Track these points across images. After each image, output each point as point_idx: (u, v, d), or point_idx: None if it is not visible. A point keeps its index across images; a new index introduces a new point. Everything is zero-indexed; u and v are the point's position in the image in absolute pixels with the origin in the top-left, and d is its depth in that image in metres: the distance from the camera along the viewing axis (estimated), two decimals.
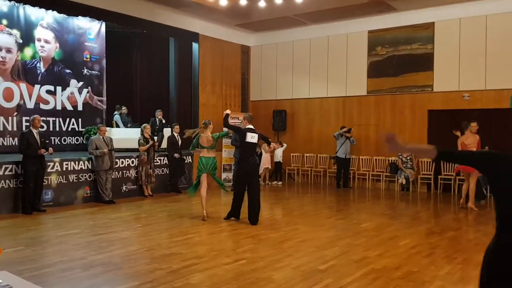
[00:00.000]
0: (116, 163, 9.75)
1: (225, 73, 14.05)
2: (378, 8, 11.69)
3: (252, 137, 7.40)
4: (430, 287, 4.38)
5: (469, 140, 8.83)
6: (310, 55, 13.73)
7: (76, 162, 9.07)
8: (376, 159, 12.50)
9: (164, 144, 11.04)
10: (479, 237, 6.57)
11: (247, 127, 7.60)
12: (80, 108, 11.20)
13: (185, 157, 11.33)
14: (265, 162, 12.94)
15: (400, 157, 11.69)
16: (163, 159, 10.86)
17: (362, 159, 12.69)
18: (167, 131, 11.21)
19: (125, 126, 11.94)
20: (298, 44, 13.95)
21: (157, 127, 11.48)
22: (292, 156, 13.74)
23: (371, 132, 12.66)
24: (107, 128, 10.49)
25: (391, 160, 12.05)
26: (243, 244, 6.00)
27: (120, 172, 9.91)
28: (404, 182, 11.59)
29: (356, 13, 12.30)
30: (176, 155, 10.67)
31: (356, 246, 6.01)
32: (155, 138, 10.68)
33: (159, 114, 11.74)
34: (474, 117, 9.48)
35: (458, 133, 9.29)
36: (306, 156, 13.62)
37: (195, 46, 13.14)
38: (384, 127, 12.46)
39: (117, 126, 11.82)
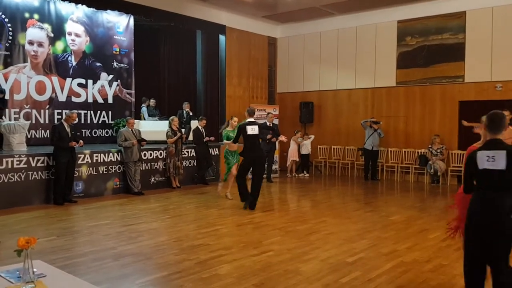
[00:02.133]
0: (145, 155, 9.90)
1: (251, 65, 14.03)
2: None
3: (252, 129, 7.75)
4: (461, 280, 4.26)
5: (505, 134, 8.42)
6: (338, 46, 13.55)
7: (106, 154, 9.24)
8: (405, 151, 12.28)
9: (191, 137, 11.12)
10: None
11: (247, 120, 7.93)
12: (110, 100, 11.39)
13: (211, 149, 11.39)
14: (292, 155, 12.91)
15: (430, 149, 11.45)
16: (191, 151, 10.96)
17: (390, 151, 12.49)
18: (194, 124, 11.29)
19: (153, 118, 12.08)
20: (326, 35, 13.78)
21: (184, 120, 11.58)
22: (319, 148, 13.65)
23: (400, 124, 12.43)
24: (136, 121, 10.67)
25: (421, 152, 11.82)
26: (270, 236, 6.01)
27: (149, 164, 10.05)
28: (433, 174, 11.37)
29: (385, 3, 12.05)
30: (210, 138, 10.80)
31: (385, 239, 5.94)
32: (183, 130, 10.77)
33: (186, 107, 11.83)
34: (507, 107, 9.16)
35: (473, 124, 8.89)
36: (334, 148, 13.51)
37: (222, 38, 13.16)
38: (413, 118, 12.22)
39: (144, 118, 11.98)
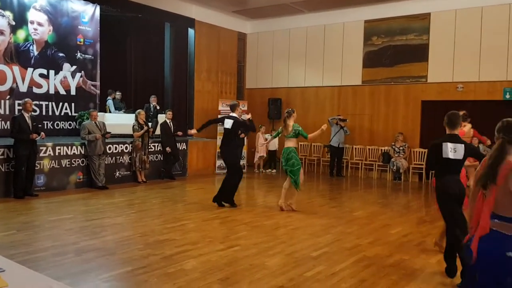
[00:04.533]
0: (110, 148, 9.72)
1: (221, 60, 13.97)
2: None
3: (226, 123, 7.64)
4: (421, 275, 4.43)
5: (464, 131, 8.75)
6: (307, 43, 13.68)
7: (69, 147, 9.01)
8: (369, 149, 12.55)
9: (158, 131, 10.99)
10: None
11: (229, 114, 7.86)
12: (73, 92, 11.08)
13: (178, 144, 11.30)
14: (260, 151, 12.96)
15: (393, 147, 11.75)
16: (157, 146, 10.83)
17: (355, 148, 12.74)
18: (161, 117, 11.16)
19: (119, 111, 11.85)
20: (295, 32, 13.88)
21: (151, 113, 11.43)
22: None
23: (365, 122, 12.69)
24: (101, 113, 10.44)
25: (384, 150, 12.11)
26: (237, 231, 6.03)
27: (114, 157, 9.87)
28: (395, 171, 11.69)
29: (353, 2, 12.25)
30: (167, 149, 10.65)
31: (348, 234, 6.06)
32: (150, 124, 10.63)
33: (153, 100, 11.68)
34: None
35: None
36: (300, 145, 13.63)
37: (191, 32, 13.05)
38: (378, 117, 12.50)
39: (110, 111, 11.74)
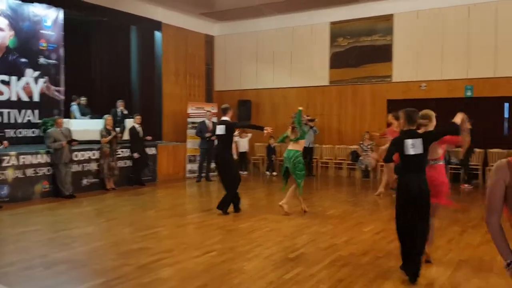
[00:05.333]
0: (76, 155, 9.45)
1: (189, 63, 13.85)
2: None
3: (219, 130, 7.42)
4: (396, 272, 4.50)
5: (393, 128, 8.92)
6: (274, 45, 13.74)
7: (34, 156, 8.71)
8: (338, 148, 12.73)
9: (126, 136, 10.78)
10: (438, 222, 6.80)
11: (221, 119, 7.63)
12: (36, 99, 10.71)
13: (148, 149, 11.13)
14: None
15: (361, 145, 11.95)
16: (126, 151, 10.62)
17: (325, 148, 12.88)
18: (129, 122, 10.95)
19: (85, 117, 11.54)
20: (263, 35, 13.92)
21: (118, 118, 11.17)
22: (257, 146, 13.77)
23: (334, 122, 12.86)
24: (66, 120, 10.14)
25: (352, 149, 12.30)
26: (212, 236, 5.97)
27: (81, 165, 9.61)
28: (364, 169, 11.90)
29: (319, 4, 12.39)
30: (135, 154, 10.46)
31: (323, 233, 6.11)
32: (117, 129, 10.41)
33: (120, 105, 11.44)
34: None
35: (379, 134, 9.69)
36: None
37: (157, 35, 12.88)
38: (345, 116, 12.70)
39: (75, 117, 11.42)
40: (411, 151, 4.18)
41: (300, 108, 7.54)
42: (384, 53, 12.04)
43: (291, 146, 7.34)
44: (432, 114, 4.74)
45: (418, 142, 4.20)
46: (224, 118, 7.51)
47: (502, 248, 2.26)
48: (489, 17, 10.62)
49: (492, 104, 10.66)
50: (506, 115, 10.68)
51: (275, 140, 12.03)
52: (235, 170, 7.73)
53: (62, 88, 11.26)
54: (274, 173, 12.88)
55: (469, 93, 10.87)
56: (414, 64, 11.64)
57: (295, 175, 7.29)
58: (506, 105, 10.66)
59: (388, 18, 11.96)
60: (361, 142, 12.01)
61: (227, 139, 7.48)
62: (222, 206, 7.35)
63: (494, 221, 2.25)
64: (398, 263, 4.74)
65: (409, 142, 4.19)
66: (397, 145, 4.29)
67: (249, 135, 13.17)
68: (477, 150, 10.55)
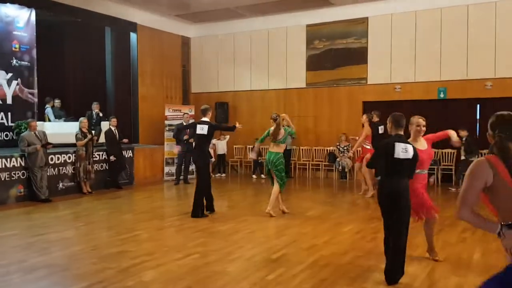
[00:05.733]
0: (52, 159, 9.28)
1: (165, 65, 13.76)
2: (316, 2, 11.96)
3: (201, 129, 7.35)
4: (377, 270, 4.61)
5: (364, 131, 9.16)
6: (251, 47, 13.80)
7: (8, 159, 8.51)
8: (315, 149, 12.88)
9: (102, 139, 10.64)
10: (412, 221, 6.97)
11: (201, 119, 7.59)
12: (9, 101, 10.45)
13: (125, 152, 11.01)
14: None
15: (338, 147, 12.13)
16: (102, 154, 10.48)
17: (302, 149, 13.01)
18: (105, 125, 10.81)
19: (59, 119, 11.34)
20: (239, 37, 13.96)
21: (94, 121, 11.01)
22: (235, 148, 13.79)
23: (311, 124, 13.00)
24: (40, 123, 9.93)
25: (329, 150, 12.47)
26: (194, 239, 5.96)
27: (56, 168, 9.43)
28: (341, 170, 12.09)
29: (295, 7, 12.51)
30: (112, 157, 10.34)
31: (304, 234, 6.19)
32: (93, 132, 10.26)
33: (96, 107, 11.27)
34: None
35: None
36: (249, 148, 13.70)
37: (133, 36, 12.77)
38: (322, 118, 12.86)
39: (49, 120, 11.20)
40: (401, 155, 4.16)
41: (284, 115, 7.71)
42: (359, 56, 12.25)
43: (273, 149, 7.35)
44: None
45: (410, 148, 4.22)
46: (204, 119, 7.49)
47: (487, 226, 2.37)
48: (460, 20, 10.95)
49: (464, 106, 10.99)
50: (477, 116, 11.01)
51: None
52: (208, 174, 7.73)
53: (35, 91, 11.03)
54: (263, 176, 12.65)
55: (442, 95, 11.18)
56: (389, 67, 11.89)
57: (277, 177, 7.34)
58: (478, 106, 11.00)
59: (363, 21, 12.18)
60: (338, 144, 12.18)
61: (208, 140, 7.50)
62: (196, 212, 7.26)
63: (467, 213, 2.36)
64: (378, 263, 4.86)
65: (401, 145, 4.18)
66: (387, 148, 4.23)
67: (227, 137, 13.19)
68: (449, 151, 10.87)
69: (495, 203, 2.35)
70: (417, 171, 4.56)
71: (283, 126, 7.44)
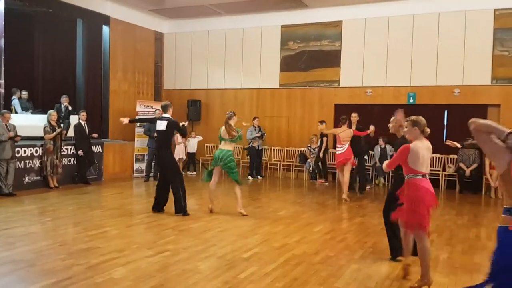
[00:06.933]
0: (18, 152, 8.99)
1: (137, 60, 13.55)
2: (291, 3, 12.05)
3: (160, 125, 7.29)
4: (347, 270, 4.69)
5: (345, 133, 9.20)
6: (225, 46, 13.77)
7: None
8: (286, 150, 12.97)
9: (71, 133, 10.39)
10: (382, 223, 7.12)
11: (161, 115, 7.55)
12: None
13: (94, 147, 10.80)
14: (179, 153, 12.76)
15: (309, 148, 12.25)
16: (71, 148, 10.24)
17: (273, 149, 13.08)
18: (74, 118, 10.57)
19: (26, 111, 11.00)
20: (214, 34, 13.90)
21: (63, 114, 10.74)
22: (207, 146, 13.72)
23: (283, 124, 13.09)
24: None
25: (301, 151, 12.58)
26: (164, 236, 5.91)
27: (22, 162, 9.16)
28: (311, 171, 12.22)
29: (270, 7, 12.55)
30: (80, 152, 10.12)
31: (275, 233, 6.23)
32: (62, 125, 10.02)
33: (65, 100, 10.98)
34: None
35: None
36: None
37: (105, 29, 12.51)
38: (294, 119, 12.96)
39: (16, 111, 10.84)
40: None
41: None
42: (332, 59, 12.42)
43: (224, 146, 7.38)
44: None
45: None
46: (165, 115, 7.42)
47: None
48: (431, 27, 11.25)
49: (433, 111, 11.27)
50: (445, 122, 11.34)
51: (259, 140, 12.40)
52: (176, 168, 7.63)
53: (1, 81, 10.62)
54: (259, 177, 12.52)
55: (411, 100, 11.46)
56: (361, 71, 12.10)
57: (230, 174, 7.40)
58: (446, 112, 11.32)
59: (337, 24, 12.36)
60: (309, 145, 12.31)
61: (168, 137, 7.41)
62: (180, 208, 7.20)
63: None
64: (349, 262, 4.95)
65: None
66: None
67: (200, 137, 13.13)
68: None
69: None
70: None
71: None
